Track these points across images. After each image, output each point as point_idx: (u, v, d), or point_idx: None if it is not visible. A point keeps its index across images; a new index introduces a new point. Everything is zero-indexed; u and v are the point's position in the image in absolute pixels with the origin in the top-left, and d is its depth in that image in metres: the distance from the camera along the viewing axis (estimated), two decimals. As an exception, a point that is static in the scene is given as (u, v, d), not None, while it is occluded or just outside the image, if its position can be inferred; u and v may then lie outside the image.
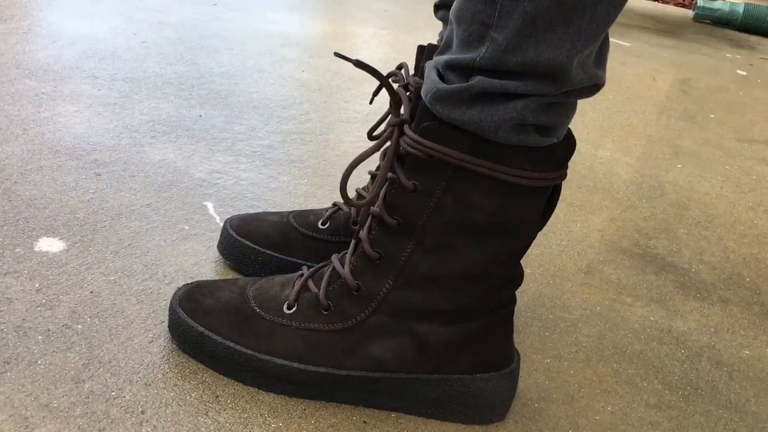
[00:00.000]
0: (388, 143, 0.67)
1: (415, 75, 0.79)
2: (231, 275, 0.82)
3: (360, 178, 1.10)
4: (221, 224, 0.92)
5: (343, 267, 0.65)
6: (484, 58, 0.54)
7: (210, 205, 0.97)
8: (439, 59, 0.58)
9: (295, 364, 0.64)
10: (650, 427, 0.71)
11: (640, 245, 1.11)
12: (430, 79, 0.57)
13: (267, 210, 0.98)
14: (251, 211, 0.97)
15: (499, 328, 0.65)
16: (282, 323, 0.65)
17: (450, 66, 0.56)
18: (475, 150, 0.57)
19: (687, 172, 1.47)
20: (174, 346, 0.69)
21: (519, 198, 0.59)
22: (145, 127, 1.17)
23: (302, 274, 0.69)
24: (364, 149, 1.00)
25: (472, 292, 0.63)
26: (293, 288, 0.68)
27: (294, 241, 0.81)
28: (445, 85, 0.55)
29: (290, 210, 0.88)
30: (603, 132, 1.60)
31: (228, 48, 1.69)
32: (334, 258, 0.67)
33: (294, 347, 0.65)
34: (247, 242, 0.81)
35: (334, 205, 0.84)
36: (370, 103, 0.79)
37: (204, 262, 0.83)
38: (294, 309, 0.66)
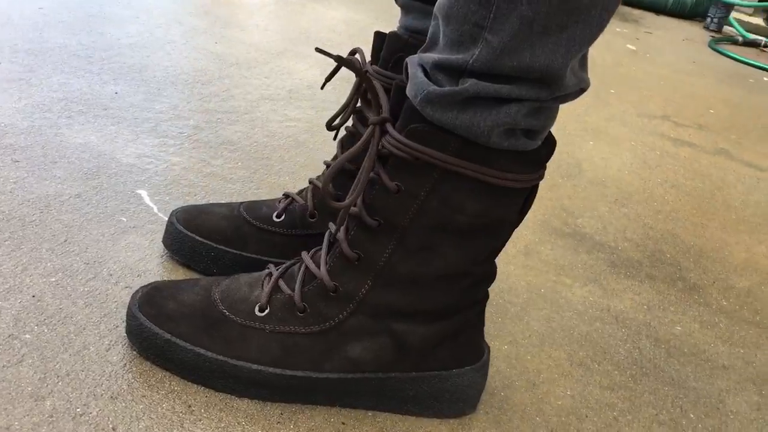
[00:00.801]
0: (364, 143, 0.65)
1: (372, 63, 0.77)
2: (181, 271, 0.78)
3: (308, 170, 1.07)
4: (159, 214, 0.87)
5: (319, 267, 0.63)
6: (478, 61, 0.53)
7: (144, 194, 0.91)
8: (425, 58, 0.56)
9: (270, 369, 0.62)
10: (607, 408, 0.74)
11: (569, 224, 1.14)
12: (418, 80, 0.55)
13: (206, 197, 0.94)
14: (188, 198, 0.92)
15: (474, 324, 0.66)
16: (254, 326, 0.63)
17: (439, 66, 0.55)
18: (462, 153, 0.56)
19: (599, 149, 1.53)
20: (134, 353, 0.65)
21: (502, 199, 0.59)
22: (58, 106, 1.09)
23: (270, 274, 0.67)
24: (306, 133, 0.98)
25: (451, 291, 0.63)
26: (263, 288, 0.65)
27: (248, 235, 0.77)
28: (437, 88, 0.54)
29: (237, 200, 0.84)
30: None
31: (133, 16, 1.60)
32: (305, 257, 0.65)
33: (269, 351, 0.62)
34: (198, 237, 0.77)
35: (286, 196, 0.81)
36: (321, 88, 0.76)
37: (149, 258, 0.79)
38: (267, 311, 0.63)
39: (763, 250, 1.24)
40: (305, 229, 0.78)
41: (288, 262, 0.68)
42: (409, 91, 0.56)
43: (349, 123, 0.78)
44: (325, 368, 0.63)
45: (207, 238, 0.77)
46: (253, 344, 0.62)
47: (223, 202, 0.91)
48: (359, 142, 0.59)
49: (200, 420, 0.60)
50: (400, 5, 0.75)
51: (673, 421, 0.75)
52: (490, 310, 0.85)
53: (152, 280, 0.73)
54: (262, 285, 0.66)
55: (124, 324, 0.67)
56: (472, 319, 0.65)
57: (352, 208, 0.61)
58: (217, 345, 0.62)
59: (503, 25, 0.51)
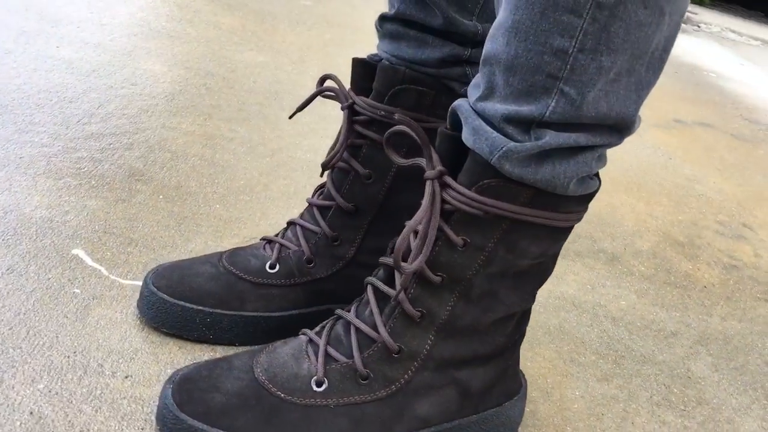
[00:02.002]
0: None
1: (353, 91, 0.73)
2: (171, 343, 0.70)
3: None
4: (113, 277, 0.78)
5: (376, 330, 0.60)
6: (555, 113, 0.52)
7: (82, 253, 0.80)
8: (487, 108, 0.54)
9: (342, 445, 0.59)
10: (613, 402, 0.79)
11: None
12: (491, 135, 0.53)
13: (150, 248, 0.84)
14: (131, 251, 0.82)
15: (517, 356, 0.66)
16: (317, 404, 0.59)
17: (509, 119, 0.53)
18: (534, 202, 0.55)
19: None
20: (181, 457, 0.58)
21: (560, 237, 0.59)
22: None
23: (310, 340, 0.62)
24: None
25: (506, 330, 0.62)
26: (310, 359, 0.61)
27: (243, 293, 0.71)
28: (516, 144, 0.52)
29: (182, 246, 0.77)
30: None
31: (-50, 24, 1.37)
32: (352, 317, 0.62)
33: (338, 427, 0.59)
34: (188, 304, 0.70)
35: (269, 241, 0.76)
36: (290, 117, 0.72)
37: (131, 334, 0.70)
38: (325, 385, 0.59)
39: (645, 209, 1.36)
40: (304, 277, 0.73)
41: (323, 324, 0.64)
42: (479, 146, 0.54)
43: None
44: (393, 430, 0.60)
45: (199, 304, 0.70)
46: (320, 424, 0.58)
47: (177, 252, 0.83)
48: (425, 203, 0.55)
49: None
50: (385, 32, 0.71)
51: (665, 400, 0.81)
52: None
53: (145, 361, 0.66)
54: (308, 355, 0.61)
55: (158, 427, 0.59)
56: (517, 351, 0.66)
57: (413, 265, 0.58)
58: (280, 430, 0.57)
59: (581, 77, 0.51)
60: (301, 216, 0.76)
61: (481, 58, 0.55)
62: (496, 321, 0.61)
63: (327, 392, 0.59)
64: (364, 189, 0.72)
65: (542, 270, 0.61)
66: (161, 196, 0.96)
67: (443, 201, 0.56)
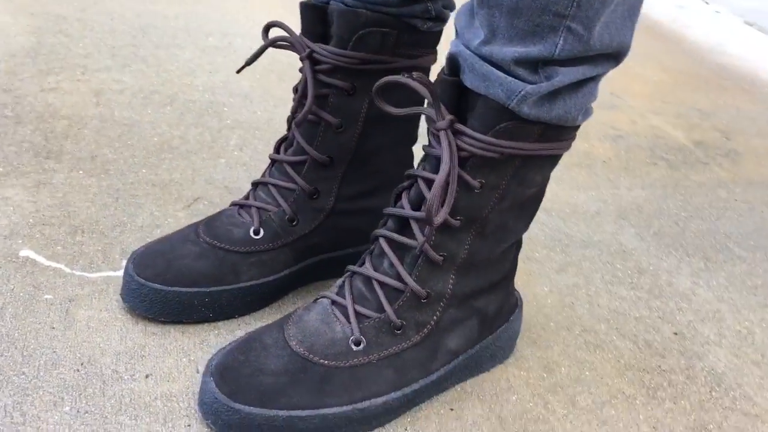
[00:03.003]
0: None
1: (306, 38, 0.70)
2: (172, 332, 0.68)
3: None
4: (77, 272, 0.73)
5: (400, 280, 0.61)
6: (564, 51, 0.54)
7: (31, 253, 0.75)
8: (495, 53, 0.54)
9: (393, 395, 0.61)
10: (576, 289, 0.86)
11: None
12: (505, 80, 0.54)
13: (101, 232, 0.79)
14: (82, 240, 0.77)
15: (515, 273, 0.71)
16: (361, 363, 0.61)
17: (519, 61, 0.54)
18: (543, 136, 0.58)
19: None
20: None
21: (556, 162, 0.63)
22: None
23: (333, 302, 0.63)
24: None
25: (512, 255, 0.66)
26: (340, 321, 0.62)
27: (236, 265, 0.70)
28: (533, 87, 0.54)
29: (182, 228, 0.74)
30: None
31: None
32: (373, 273, 0.63)
33: (385, 379, 0.61)
34: (184, 289, 0.68)
35: (235, 204, 0.74)
36: (238, 72, 0.70)
37: (129, 331, 0.67)
38: (364, 343, 0.61)
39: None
40: (289, 236, 0.72)
41: (340, 284, 0.64)
42: (493, 91, 0.55)
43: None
44: (433, 369, 0.64)
45: (195, 286, 0.68)
46: (369, 381, 0.60)
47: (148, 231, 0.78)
48: (445, 155, 0.56)
49: (362, 475, 0.58)
50: None
51: (614, 277, 0.90)
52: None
53: (157, 355, 0.65)
54: (337, 317, 0.62)
55: (209, 422, 0.59)
56: (515, 270, 0.70)
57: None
58: (338, 397, 0.59)
59: (587, 12, 0.53)
60: (270, 175, 0.74)
61: (476, 0, 0.55)
62: (505, 249, 0.65)
63: (367, 349, 0.61)
64: (337, 139, 0.71)
65: (541, 194, 0.64)
66: (81, 171, 0.89)
67: (459, 149, 0.57)
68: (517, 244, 0.67)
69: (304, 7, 0.69)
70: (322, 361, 0.60)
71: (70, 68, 1.14)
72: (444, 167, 0.56)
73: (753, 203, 1.16)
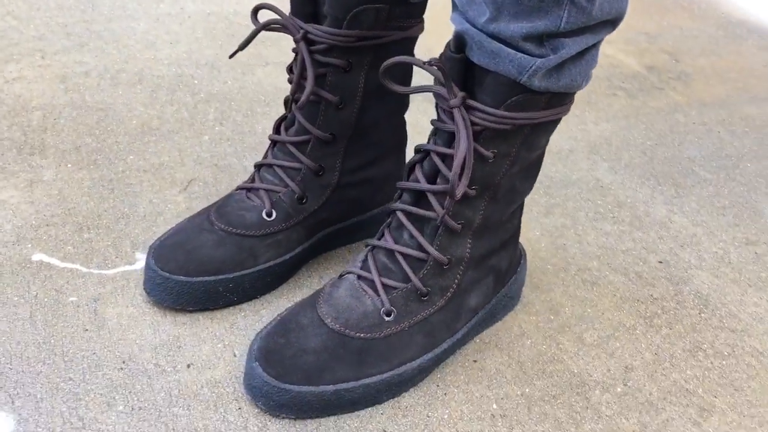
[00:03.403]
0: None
1: (297, 18, 0.71)
2: (201, 320, 0.71)
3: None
4: (93, 270, 0.74)
5: (423, 251, 0.65)
6: (569, 23, 0.56)
7: (44, 257, 0.75)
8: (502, 30, 0.56)
9: (426, 356, 0.66)
10: (564, 230, 0.92)
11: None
12: (515, 56, 0.56)
13: (111, 227, 0.80)
14: (88, 235, 0.78)
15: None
16: (395, 332, 0.64)
17: (527, 37, 0.57)
18: (550, 104, 0.61)
19: None
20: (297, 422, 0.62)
21: (557, 124, 0.66)
22: None
23: (359, 277, 0.66)
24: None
25: (518, 213, 0.70)
26: (369, 294, 0.65)
27: (254, 248, 0.72)
28: (543, 60, 0.56)
29: (192, 216, 0.75)
30: None
31: None
32: (394, 246, 0.66)
33: (417, 344, 0.65)
34: (209, 278, 0.70)
35: (242, 188, 0.75)
36: (230, 57, 0.71)
37: (159, 325, 0.70)
38: (394, 313, 0.65)
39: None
40: (300, 215, 0.75)
41: (362, 259, 0.68)
42: (504, 68, 0.57)
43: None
44: (457, 328, 0.68)
45: (219, 273, 0.70)
46: (403, 348, 0.64)
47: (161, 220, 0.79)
48: (462, 133, 0.59)
49: (407, 416, 0.63)
50: None
51: (596, 213, 0.96)
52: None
53: (193, 344, 0.68)
54: (365, 291, 0.65)
55: (260, 403, 0.62)
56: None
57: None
58: (377, 366, 0.63)
59: (589, -16, 0.55)
60: (273, 156, 0.75)
61: None
62: (514, 209, 0.68)
63: (398, 318, 0.65)
64: (338, 115, 0.73)
65: (543, 154, 0.68)
66: (69, 165, 0.89)
67: (472, 123, 0.60)
68: (522, 203, 0.71)
69: (293, -12, 0.70)
70: (358, 334, 0.63)
71: (28, 54, 1.11)
72: (462, 144, 0.58)
73: (709, 125, 1.22)
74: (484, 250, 0.67)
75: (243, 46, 0.72)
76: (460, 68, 0.60)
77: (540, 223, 0.92)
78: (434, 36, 0.92)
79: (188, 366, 0.66)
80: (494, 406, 0.67)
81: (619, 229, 0.93)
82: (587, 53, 0.60)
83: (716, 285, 0.86)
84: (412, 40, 0.74)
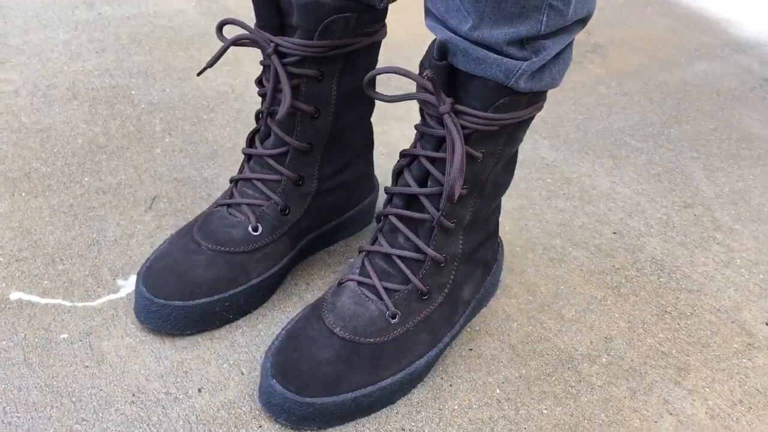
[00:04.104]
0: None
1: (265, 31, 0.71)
2: (200, 339, 0.71)
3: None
4: (78, 303, 0.73)
5: (419, 252, 0.67)
6: (548, 26, 0.59)
7: (22, 295, 0.73)
8: (485, 36, 0.58)
9: (431, 352, 0.68)
10: (524, 210, 0.96)
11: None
12: (500, 62, 0.59)
13: (74, 253, 0.78)
14: (62, 267, 0.76)
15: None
16: (402, 333, 0.67)
17: (511, 42, 0.59)
18: (530, 101, 0.64)
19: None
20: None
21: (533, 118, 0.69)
22: None
23: (359, 283, 0.68)
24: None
25: (500, 204, 0.74)
26: (371, 300, 0.67)
27: (245, 264, 0.73)
28: (527, 63, 0.59)
29: (173, 237, 0.75)
30: None
31: None
32: (390, 250, 0.68)
33: (423, 342, 0.68)
34: (205, 300, 0.70)
35: (222, 204, 0.75)
36: (198, 74, 0.70)
37: (160, 351, 0.69)
38: (399, 315, 0.67)
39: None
40: (285, 226, 0.75)
41: (359, 266, 0.69)
42: (491, 73, 0.60)
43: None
44: (455, 321, 0.71)
45: (214, 294, 0.70)
46: (411, 346, 0.67)
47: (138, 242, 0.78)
48: (456, 138, 0.61)
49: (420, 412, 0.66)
50: None
51: (548, 191, 1.00)
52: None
53: (198, 367, 0.68)
54: (367, 297, 0.67)
55: (283, 419, 0.63)
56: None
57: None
58: (390, 368, 0.65)
59: (566, -11, 0.58)
60: (251, 170, 0.75)
61: None
62: (499, 202, 0.72)
63: (403, 320, 0.67)
64: (314, 125, 0.74)
65: (518, 148, 0.71)
66: (23, 194, 0.86)
67: (462, 127, 0.62)
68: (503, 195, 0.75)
69: (258, 3, 0.69)
70: (368, 340, 0.65)
71: (-53, 76, 1.05)
72: (458, 149, 0.61)
73: (630, 94, 1.29)
74: (473, 244, 0.70)
75: (211, 63, 0.71)
76: (444, 75, 0.62)
77: (501, 206, 0.96)
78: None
79: (199, 390, 0.66)
80: (497, 391, 0.70)
81: (572, 205, 0.98)
82: (563, 53, 0.63)
83: (667, 249, 0.92)
84: (378, 45, 0.75)
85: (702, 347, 0.79)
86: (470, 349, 0.74)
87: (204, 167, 0.94)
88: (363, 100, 0.77)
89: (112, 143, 0.96)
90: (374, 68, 0.75)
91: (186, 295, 0.69)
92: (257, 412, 0.65)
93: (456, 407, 0.68)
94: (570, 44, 0.63)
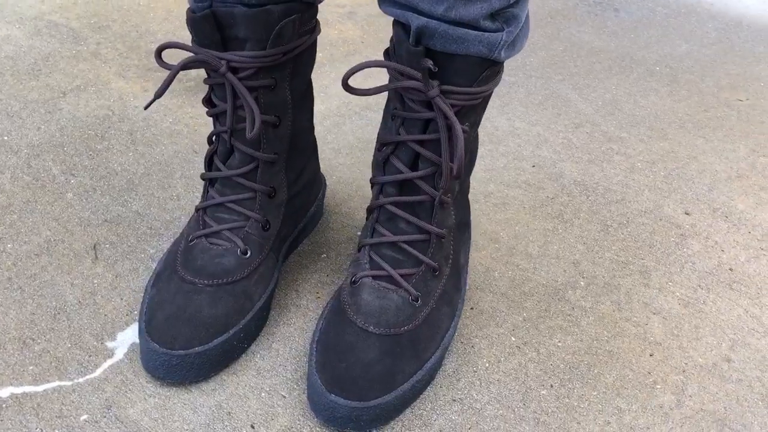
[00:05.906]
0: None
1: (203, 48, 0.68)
2: (225, 377, 0.69)
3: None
4: (78, 380, 0.67)
5: (423, 233, 0.69)
6: None
7: (14, 389, 0.66)
8: (465, 15, 0.59)
9: (453, 321, 0.72)
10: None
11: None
12: (482, 38, 0.60)
13: (43, 335, 0.71)
14: (40, 347, 0.70)
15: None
16: (427, 313, 0.69)
17: (487, 17, 0.62)
18: (499, 70, 0.67)
19: None
20: None
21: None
22: None
23: (375, 277, 0.69)
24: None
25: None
26: (391, 290, 0.69)
27: (246, 291, 0.70)
28: (505, 34, 0.62)
29: (159, 278, 0.71)
30: None
31: None
32: (394, 238, 0.69)
33: (446, 314, 0.70)
34: (222, 338, 0.67)
35: (199, 236, 0.72)
36: (146, 108, 0.67)
37: (191, 401, 0.66)
38: (421, 298, 0.69)
39: None
40: (269, 241, 0.74)
41: (367, 260, 0.70)
42: (474, 49, 0.61)
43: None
44: (461, 286, 0.75)
45: (229, 329, 0.68)
46: (439, 322, 0.70)
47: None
48: (451, 117, 0.63)
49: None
50: None
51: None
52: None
53: (240, 405, 0.66)
54: (386, 288, 0.69)
55: (347, 429, 0.64)
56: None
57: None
58: (430, 349, 0.68)
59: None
60: (219, 194, 0.73)
61: None
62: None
63: (425, 300, 0.69)
64: (277, 134, 0.72)
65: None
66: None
67: (451, 105, 0.64)
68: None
69: (198, 21, 0.66)
70: (403, 329, 0.67)
71: None
72: (458, 128, 0.63)
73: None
74: (461, 212, 0.74)
75: (160, 94, 0.67)
76: (422, 58, 0.63)
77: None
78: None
79: (252, 426, 0.64)
80: (512, 339, 0.75)
81: (488, 149, 1.04)
82: (527, 19, 0.66)
83: (581, 169, 1.01)
84: (316, 41, 0.74)
85: (649, 248, 0.88)
86: (471, 308, 0.78)
87: (129, 201, 0.88)
88: (310, 98, 0.76)
89: (14, 199, 0.87)
90: (313, 65, 0.75)
91: (203, 339, 0.66)
92: (318, 429, 0.65)
93: (487, 365, 0.72)
94: (528, 11, 0.67)
